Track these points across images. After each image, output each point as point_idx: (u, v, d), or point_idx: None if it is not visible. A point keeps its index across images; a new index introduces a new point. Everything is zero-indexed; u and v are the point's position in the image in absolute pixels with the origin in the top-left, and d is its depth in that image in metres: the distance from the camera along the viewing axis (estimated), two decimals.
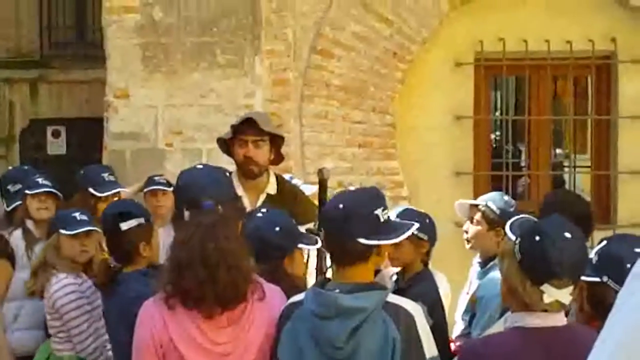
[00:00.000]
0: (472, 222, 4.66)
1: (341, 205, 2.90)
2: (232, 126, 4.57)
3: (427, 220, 4.32)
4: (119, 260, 3.93)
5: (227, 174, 4.03)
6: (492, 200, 4.63)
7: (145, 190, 6.17)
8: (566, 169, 10.04)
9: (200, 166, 3.93)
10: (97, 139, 7.52)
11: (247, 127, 4.52)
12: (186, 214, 3.38)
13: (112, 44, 7.19)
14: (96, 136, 7.77)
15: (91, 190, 5.35)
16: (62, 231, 4.62)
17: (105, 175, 5.50)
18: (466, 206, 4.76)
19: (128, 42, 7.13)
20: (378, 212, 2.91)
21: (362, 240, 2.86)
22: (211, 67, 7.07)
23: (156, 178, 6.23)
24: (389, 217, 2.99)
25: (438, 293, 4.24)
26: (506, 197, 4.74)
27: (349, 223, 2.86)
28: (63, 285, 4.50)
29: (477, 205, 4.67)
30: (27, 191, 5.33)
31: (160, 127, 7.09)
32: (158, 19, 7.13)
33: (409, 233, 3.02)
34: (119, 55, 7.16)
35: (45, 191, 5.32)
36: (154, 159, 7.03)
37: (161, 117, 7.09)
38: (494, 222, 4.53)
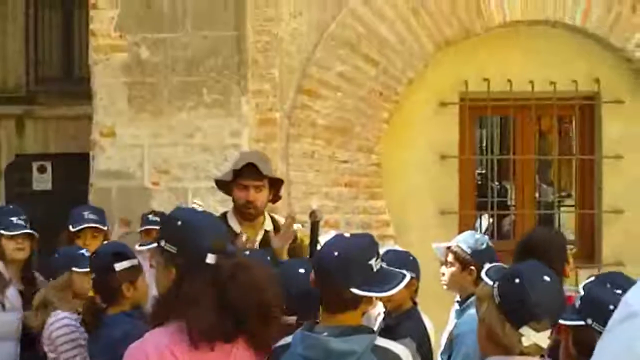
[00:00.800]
0: (446, 264, 4.71)
1: (336, 253, 2.89)
2: (234, 171, 4.59)
3: (411, 258, 4.44)
4: (104, 300, 4.08)
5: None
6: (462, 240, 4.67)
7: (139, 229, 6.19)
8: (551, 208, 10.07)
9: (198, 208, 3.91)
10: (83, 175, 7.51)
11: (247, 171, 4.55)
12: (211, 256, 3.14)
13: (99, 82, 7.22)
14: (82, 172, 7.75)
15: None
16: (75, 269, 4.70)
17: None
18: (443, 249, 4.80)
19: (115, 81, 7.16)
20: (372, 261, 2.90)
21: (355, 291, 2.85)
22: (197, 106, 7.10)
23: (150, 217, 6.23)
24: (381, 266, 2.97)
25: (426, 330, 4.30)
26: (477, 235, 4.79)
27: (344, 272, 2.85)
28: (60, 318, 4.59)
29: (449, 247, 4.72)
30: (3, 232, 5.30)
31: (147, 165, 7.10)
32: (145, 57, 7.17)
33: (402, 285, 3.00)
34: (105, 94, 7.19)
35: (22, 233, 5.31)
36: (140, 197, 7.03)
37: (147, 155, 7.10)
38: (466, 261, 4.58)
